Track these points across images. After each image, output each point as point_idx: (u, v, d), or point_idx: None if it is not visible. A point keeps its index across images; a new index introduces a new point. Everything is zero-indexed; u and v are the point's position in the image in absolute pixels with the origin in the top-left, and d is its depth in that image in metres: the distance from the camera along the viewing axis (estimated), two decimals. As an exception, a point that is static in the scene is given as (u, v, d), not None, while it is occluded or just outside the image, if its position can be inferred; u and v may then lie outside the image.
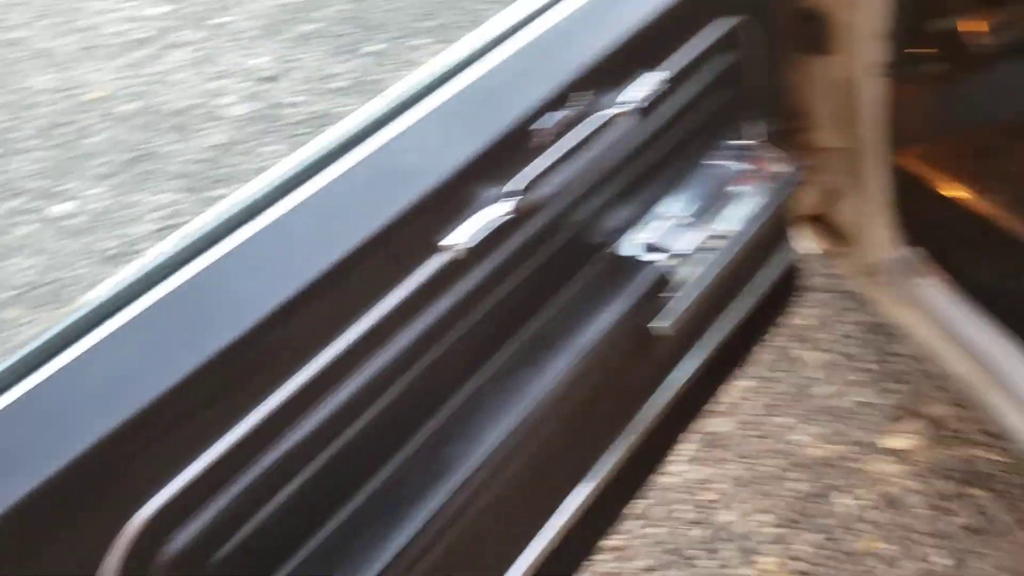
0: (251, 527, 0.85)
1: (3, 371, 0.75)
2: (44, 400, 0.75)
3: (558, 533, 1.20)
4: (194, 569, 0.81)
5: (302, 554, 0.90)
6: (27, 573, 0.72)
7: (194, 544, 0.80)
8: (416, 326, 0.95)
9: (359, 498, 0.94)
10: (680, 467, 1.99)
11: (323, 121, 3.34)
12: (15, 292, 2.81)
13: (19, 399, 0.74)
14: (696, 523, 1.90)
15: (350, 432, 0.92)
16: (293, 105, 3.46)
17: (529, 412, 1.04)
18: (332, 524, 0.93)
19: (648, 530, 1.89)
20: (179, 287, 0.81)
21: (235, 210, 0.87)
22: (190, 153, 3.29)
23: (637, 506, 1.84)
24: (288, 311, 0.83)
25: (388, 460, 0.97)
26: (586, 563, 1.34)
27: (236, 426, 0.81)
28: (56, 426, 0.73)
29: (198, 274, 0.82)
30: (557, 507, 1.21)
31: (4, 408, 0.73)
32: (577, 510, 1.23)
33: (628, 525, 1.89)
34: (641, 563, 1.84)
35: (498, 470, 1.01)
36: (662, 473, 1.82)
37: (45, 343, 0.77)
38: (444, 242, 0.94)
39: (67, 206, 3.12)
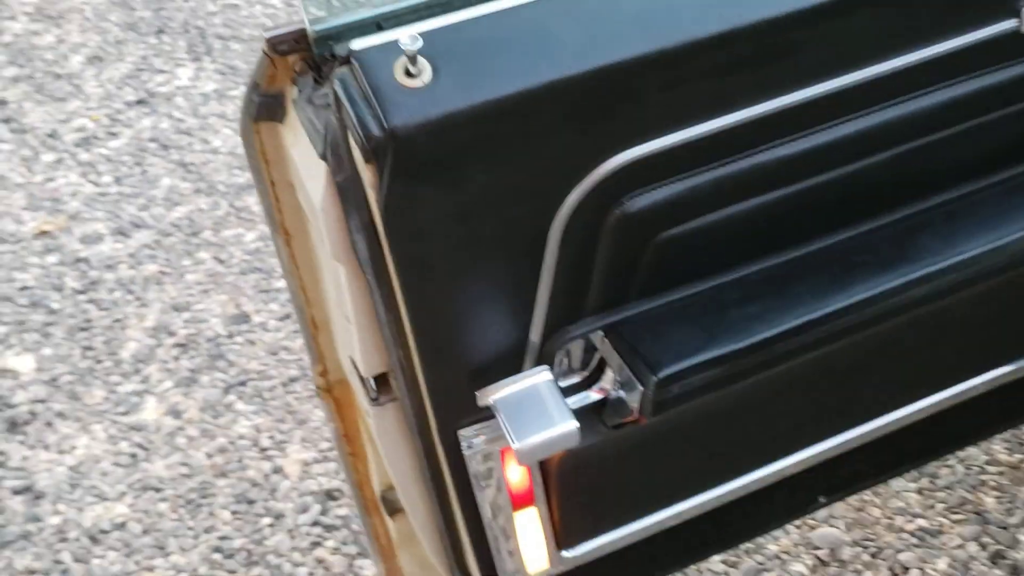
0: (703, 222, 0.79)
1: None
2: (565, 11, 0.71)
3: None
4: (641, 236, 0.78)
5: (737, 272, 0.85)
6: (501, 178, 0.72)
7: (650, 213, 0.76)
8: (955, 89, 0.82)
9: (812, 246, 0.86)
10: None
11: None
12: None
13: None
14: None
15: (838, 173, 0.82)
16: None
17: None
18: (774, 261, 0.86)
19: None
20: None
21: None
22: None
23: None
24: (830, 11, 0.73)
25: (855, 223, 0.87)
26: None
27: (737, 110, 0.74)
28: (575, 37, 0.70)
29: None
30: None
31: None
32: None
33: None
34: None
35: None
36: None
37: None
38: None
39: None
